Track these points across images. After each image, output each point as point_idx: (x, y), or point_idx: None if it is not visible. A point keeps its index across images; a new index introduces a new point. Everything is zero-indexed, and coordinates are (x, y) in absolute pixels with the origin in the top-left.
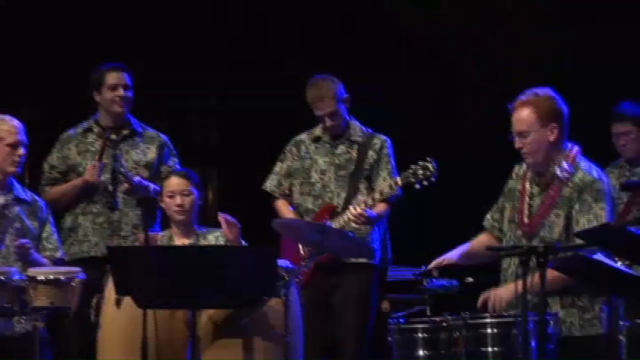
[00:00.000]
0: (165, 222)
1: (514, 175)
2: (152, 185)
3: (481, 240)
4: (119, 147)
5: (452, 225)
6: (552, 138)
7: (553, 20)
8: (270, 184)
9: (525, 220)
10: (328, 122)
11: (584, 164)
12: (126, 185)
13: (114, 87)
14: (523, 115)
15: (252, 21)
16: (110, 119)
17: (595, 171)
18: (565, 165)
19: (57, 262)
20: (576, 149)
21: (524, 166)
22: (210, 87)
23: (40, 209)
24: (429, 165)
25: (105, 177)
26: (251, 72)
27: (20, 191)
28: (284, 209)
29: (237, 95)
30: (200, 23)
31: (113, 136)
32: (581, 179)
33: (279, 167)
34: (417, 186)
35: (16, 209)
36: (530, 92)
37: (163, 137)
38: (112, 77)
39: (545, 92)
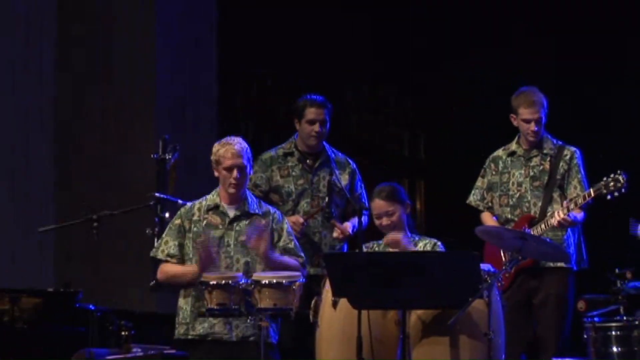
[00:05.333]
0: None
1: None
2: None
3: None
4: (317, 174)
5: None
6: None
7: None
8: (474, 198)
9: None
10: (533, 127)
11: None
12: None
13: (312, 122)
14: None
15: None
16: (305, 146)
17: None
18: None
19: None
20: None
21: None
22: (421, 106)
23: (274, 220)
24: (620, 178)
25: (306, 201)
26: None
27: (254, 206)
28: (489, 220)
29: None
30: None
31: (308, 161)
32: None
33: (480, 182)
34: (609, 197)
35: (244, 222)
36: None
37: (352, 163)
38: (311, 112)
39: None
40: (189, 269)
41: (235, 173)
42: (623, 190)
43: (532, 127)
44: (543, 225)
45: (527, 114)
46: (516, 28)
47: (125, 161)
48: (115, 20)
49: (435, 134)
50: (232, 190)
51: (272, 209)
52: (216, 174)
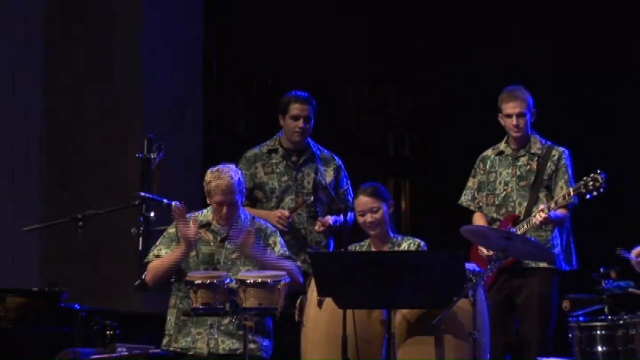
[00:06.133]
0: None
1: None
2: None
3: None
4: (301, 171)
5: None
6: None
7: None
8: (465, 199)
9: None
10: (514, 121)
11: None
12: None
13: (296, 118)
14: None
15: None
16: (289, 143)
17: None
18: None
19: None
20: None
21: None
22: (406, 104)
23: (266, 235)
24: (599, 177)
25: (290, 197)
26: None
27: (247, 223)
28: (480, 220)
29: (428, 110)
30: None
31: (293, 158)
32: None
33: (471, 183)
34: (588, 196)
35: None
36: None
37: (337, 160)
38: (295, 108)
39: None
40: (175, 251)
41: (225, 209)
42: (602, 190)
43: (513, 121)
44: (526, 225)
45: (507, 108)
46: (516, 28)
47: (124, 161)
48: (115, 21)
49: (435, 134)
50: (222, 222)
51: (264, 224)
52: (208, 200)
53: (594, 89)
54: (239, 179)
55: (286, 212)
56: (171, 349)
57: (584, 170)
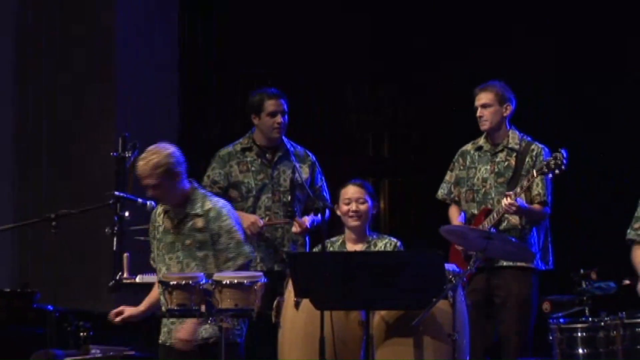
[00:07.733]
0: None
1: None
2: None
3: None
4: (277, 168)
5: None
6: None
7: None
8: (441, 192)
9: None
10: (478, 112)
11: None
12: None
13: (273, 114)
14: None
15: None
16: (266, 140)
17: None
18: None
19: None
20: None
21: None
22: (385, 105)
23: (209, 220)
24: (558, 155)
25: (267, 196)
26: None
27: (197, 205)
28: (454, 214)
29: (428, 110)
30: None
31: (267, 155)
32: None
33: (448, 176)
34: (550, 175)
35: (189, 224)
36: None
37: (311, 156)
38: (271, 105)
39: None
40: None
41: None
42: (563, 167)
43: (478, 112)
44: (495, 215)
45: (476, 101)
46: (516, 28)
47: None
48: (115, 20)
49: (435, 134)
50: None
51: (213, 207)
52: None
53: (594, 89)
54: None
55: (261, 222)
56: (174, 340)
57: (583, 170)
